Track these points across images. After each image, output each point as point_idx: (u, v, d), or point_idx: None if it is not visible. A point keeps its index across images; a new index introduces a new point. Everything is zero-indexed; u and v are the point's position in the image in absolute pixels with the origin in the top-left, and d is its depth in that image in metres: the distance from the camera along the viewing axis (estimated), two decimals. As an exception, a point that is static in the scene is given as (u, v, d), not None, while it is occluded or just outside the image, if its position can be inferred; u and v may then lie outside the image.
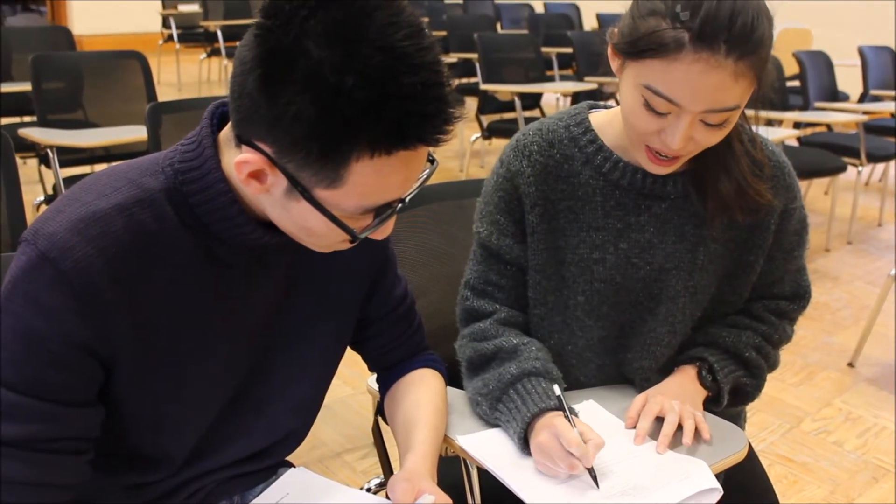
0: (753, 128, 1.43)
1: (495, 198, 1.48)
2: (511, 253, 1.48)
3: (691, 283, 1.45)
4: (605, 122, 1.46)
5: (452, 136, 0.96)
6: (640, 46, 1.23)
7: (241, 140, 0.97)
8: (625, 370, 1.52)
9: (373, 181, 0.95)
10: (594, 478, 1.24)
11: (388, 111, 0.89)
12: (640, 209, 1.43)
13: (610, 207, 1.43)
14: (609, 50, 1.31)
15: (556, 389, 1.34)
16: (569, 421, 1.28)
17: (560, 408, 1.32)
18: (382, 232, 1.06)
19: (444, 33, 7.36)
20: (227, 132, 1.04)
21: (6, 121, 4.66)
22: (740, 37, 1.18)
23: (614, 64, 1.32)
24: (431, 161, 1.04)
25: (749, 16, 1.19)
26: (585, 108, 1.49)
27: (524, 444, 1.33)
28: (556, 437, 1.26)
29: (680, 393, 1.43)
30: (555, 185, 1.45)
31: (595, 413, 1.42)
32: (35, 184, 4.65)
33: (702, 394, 1.46)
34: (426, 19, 6.78)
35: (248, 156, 0.95)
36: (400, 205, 1.02)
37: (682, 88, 1.22)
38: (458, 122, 0.96)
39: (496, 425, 1.40)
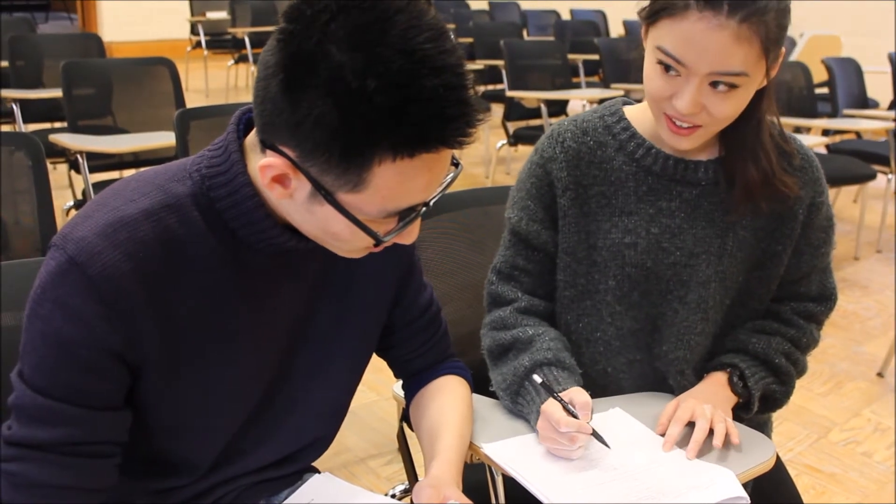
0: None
1: (527, 184, 1.52)
2: (539, 238, 1.51)
3: (721, 267, 1.46)
4: (638, 112, 1.51)
5: (475, 139, 0.96)
6: (654, 8, 1.31)
7: (265, 145, 0.98)
8: (659, 364, 1.52)
9: (395, 184, 0.95)
10: (600, 439, 1.28)
11: (409, 114, 0.90)
12: (672, 195, 1.46)
13: (642, 193, 1.47)
14: (642, 30, 1.38)
15: (537, 378, 1.37)
16: (555, 398, 1.32)
17: (549, 392, 1.34)
18: (408, 236, 1.06)
19: (470, 40, 7.37)
20: (252, 138, 1.05)
21: (37, 126, 4.72)
22: None
23: (644, 38, 1.38)
24: (456, 165, 1.04)
25: None
26: (619, 102, 1.55)
27: None
28: (547, 421, 1.31)
29: (711, 399, 1.43)
30: (587, 171, 1.48)
31: (621, 420, 1.42)
32: (65, 189, 4.71)
33: (732, 400, 1.46)
34: (452, 26, 6.74)
35: (271, 160, 0.96)
36: (424, 208, 1.02)
37: (686, 47, 1.27)
38: (481, 124, 0.96)
39: (523, 417, 1.43)
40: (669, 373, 1.52)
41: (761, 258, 1.50)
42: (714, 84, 1.29)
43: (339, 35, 0.89)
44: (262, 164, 0.96)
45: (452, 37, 0.94)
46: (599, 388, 1.52)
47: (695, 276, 1.47)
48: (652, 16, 1.32)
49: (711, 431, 1.35)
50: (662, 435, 1.37)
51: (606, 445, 1.29)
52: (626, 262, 1.47)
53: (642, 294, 1.49)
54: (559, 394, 1.33)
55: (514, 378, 1.44)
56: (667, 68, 1.31)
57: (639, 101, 1.53)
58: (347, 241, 1.03)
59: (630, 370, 1.54)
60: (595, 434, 1.28)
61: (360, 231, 0.99)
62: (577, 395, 1.33)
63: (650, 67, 1.34)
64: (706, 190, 1.46)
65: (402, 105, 0.89)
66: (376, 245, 1.03)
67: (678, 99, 1.32)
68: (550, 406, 1.31)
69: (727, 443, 1.34)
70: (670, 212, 1.46)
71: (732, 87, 1.29)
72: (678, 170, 1.45)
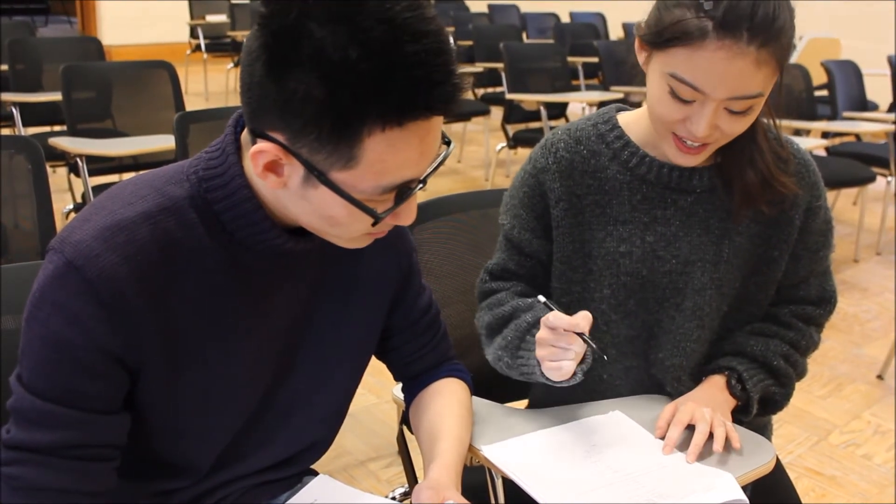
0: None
1: (520, 193, 1.51)
2: (531, 247, 1.51)
3: (717, 275, 1.46)
4: (632, 120, 1.49)
5: (460, 105, 0.96)
6: (665, 36, 1.27)
7: (255, 133, 0.98)
8: (655, 371, 1.52)
9: (388, 157, 0.95)
10: (589, 343, 1.25)
11: (394, 81, 0.90)
12: (667, 203, 1.45)
13: (636, 201, 1.46)
14: (636, 43, 1.35)
15: (541, 298, 1.37)
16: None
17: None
18: (405, 216, 1.05)
19: (470, 43, 7.38)
20: (246, 136, 1.05)
21: (37, 130, 4.71)
22: (762, 25, 1.22)
23: (641, 57, 1.36)
24: (448, 143, 1.04)
25: (770, 5, 1.23)
26: (613, 109, 1.53)
27: (547, 380, 1.35)
28: (545, 327, 1.29)
29: (709, 402, 1.42)
30: (581, 181, 1.47)
31: (620, 423, 1.42)
32: (64, 192, 4.71)
33: (731, 403, 1.46)
34: (452, 29, 6.72)
35: (261, 145, 0.96)
36: (420, 185, 1.01)
37: (706, 76, 1.25)
38: (466, 90, 0.97)
39: (522, 374, 1.42)
40: (666, 380, 1.51)
41: (758, 264, 1.50)
42: (729, 104, 1.28)
43: (317, 10, 0.89)
44: (253, 151, 0.96)
45: (431, 7, 0.94)
46: (597, 394, 1.52)
47: (690, 283, 1.46)
48: (661, 43, 1.29)
49: (711, 435, 1.34)
50: (661, 438, 1.37)
51: (603, 355, 1.28)
52: (621, 271, 1.47)
53: (638, 302, 1.48)
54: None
55: (515, 334, 1.43)
56: (679, 93, 1.29)
57: (637, 104, 1.52)
58: (346, 226, 1.03)
59: (627, 377, 1.53)
60: (585, 339, 1.25)
61: (357, 212, 0.99)
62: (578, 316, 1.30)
63: (660, 92, 1.32)
64: (701, 197, 1.45)
65: (386, 72, 0.89)
66: (374, 224, 1.02)
67: (693, 124, 1.30)
68: (544, 317, 1.30)
69: (727, 446, 1.34)
70: (665, 220, 1.46)
71: (748, 107, 1.29)
72: (672, 178, 1.45)
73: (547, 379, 1.34)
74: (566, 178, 1.47)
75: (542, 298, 1.37)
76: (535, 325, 1.41)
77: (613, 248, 1.46)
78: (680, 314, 1.47)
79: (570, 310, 1.49)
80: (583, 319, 1.25)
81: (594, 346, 1.26)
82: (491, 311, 1.52)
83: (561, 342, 1.27)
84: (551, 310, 1.31)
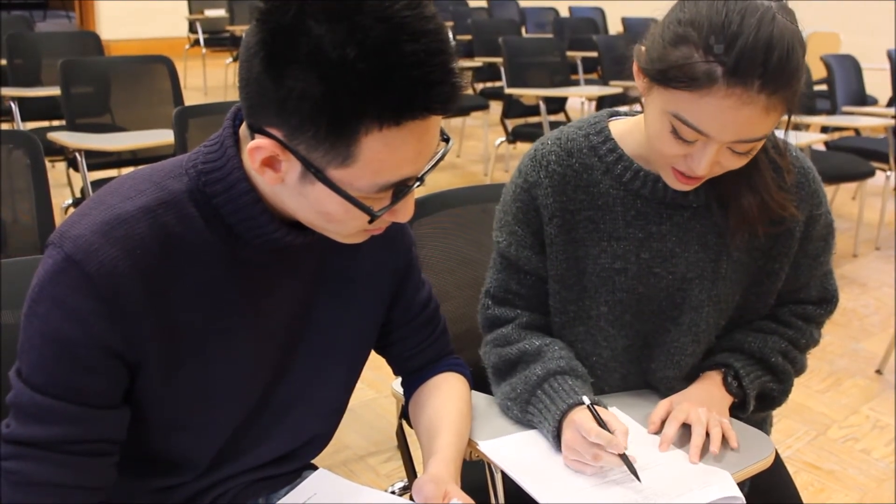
0: (780, 133, 1.40)
1: (513, 208, 1.46)
2: (530, 264, 1.47)
3: (714, 292, 1.43)
4: (625, 130, 1.44)
5: (458, 104, 0.96)
6: (669, 76, 1.21)
7: (253, 129, 0.98)
8: (649, 379, 1.51)
9: (385, 156, 0.94)
10: (629, 465, 1.24)
11: (392, 80, 0.90)
12: (662, 218, 1.41)
13: (631, 217, 1.42)
14: (635, 68, 1.29)
15: (585, 399, 1.33)
16: (592, 413, 1.29)
17: (592, 410, 1.31)
18: (402, 213, 1.05)
19: (468, 37, 7.38)
20: (244, 130, 1.05)
21: (35, 125, 4.71)
22: (775, 72, 1.15)
23: (639, 83, 1.30)
24: (447, 140, 1.03)
25: (784, 48, 1.16)
26: (605, 117, 1.48)
27: (559, 443, 1.33)
28: (578, 431, 1.27)
29: (706, 399, 1.41)
30: (574, 195, 1.43)
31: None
32: (63, 187, 4.71)
33: (728, 400, 1.45)
34: (451, 23, 6.71)
35: (259, 141, 0.96)
36: (417, 183, 1.01)
37: (712, 121, 1.20)
38: (465, 89, 0.96)
39: (531, 427, 1.40)
40: (660, 389, 1.51)
41: (758, 275, 1.47)
42: (733, 146, 1.24)
43: (315, 8, 0.89)
44: (251, 147, 0.96)
45: (431, 5, 0.94)
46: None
47: (688, 300, 1.44)
48: (664, 80, 1.22)
49: (708, 434, 1.34)
50: (654, 433, 1.37)
51: (637, 478, 1.24)
52: (616, 288, 1.44)
53: (634, 315, 1.46)
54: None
55: (524, 387, 1.41)
56: (681, 133, 1.24)
57: (636, 99, 1.47)
58: (342, 223, 1.03)
59: (624, 384, 1.53)
60: (624, 458, 1.25)
61: (353, 209, 0.99)
62: (615, 421, 1.29)
63: (660, 128, 1.26)
64: (698, 213, 1.41)
65: (383, 72, 0.89)
66: (371, 222, 1.02)
67: (694, 161, 1.25)
68: (581, 416, 1.29)
69: (725, 444, 1.34)
70: (661, 236, 1.42)
71: (752, 147, 1.25)
72: (668, 193, 1.39)
73: (559, 448, 1.33)
74: (559, 193, 1.42)
75: (586, 400, 1.32)
76: (546, 379, 1.39)
77: (608, 265, 1.43)
78: (676, 328, 1.45)
79: (565, 330, 1.49)
80: (623, 438, 1.25)
81: (633, 469, 1.24)
82: (497, 349, 1.49)
83: (589, 453, 1.26)
84: (593, 411, 1.30)
